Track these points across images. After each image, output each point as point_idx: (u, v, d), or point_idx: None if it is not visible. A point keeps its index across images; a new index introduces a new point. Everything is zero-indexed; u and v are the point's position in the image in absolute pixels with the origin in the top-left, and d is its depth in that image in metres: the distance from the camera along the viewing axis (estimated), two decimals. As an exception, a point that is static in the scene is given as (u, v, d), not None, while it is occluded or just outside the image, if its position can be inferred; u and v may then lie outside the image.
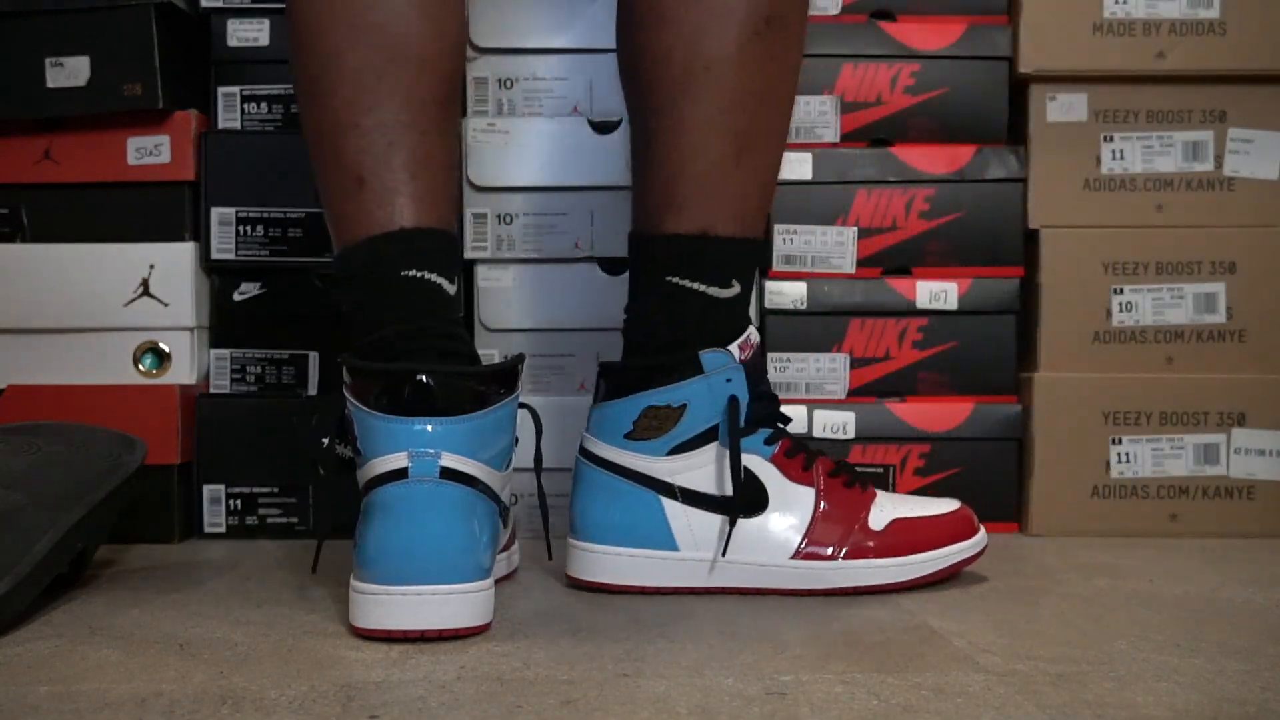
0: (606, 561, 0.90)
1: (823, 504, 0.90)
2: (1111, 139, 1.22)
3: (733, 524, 0.88)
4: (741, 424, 0.89)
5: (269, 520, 1.15)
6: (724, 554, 0.89)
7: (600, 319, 1.17)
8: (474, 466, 0.77)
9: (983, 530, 0.95)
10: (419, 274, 0.82)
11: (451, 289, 0.83)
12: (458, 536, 0.76)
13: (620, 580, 0.90)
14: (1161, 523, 1.20)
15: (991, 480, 1.20)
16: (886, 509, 0.92)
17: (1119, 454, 1.20)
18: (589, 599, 0.88)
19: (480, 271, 1.18)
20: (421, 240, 0.82)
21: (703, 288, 0.89)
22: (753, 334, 0.91)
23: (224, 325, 1.18)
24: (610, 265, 1.18)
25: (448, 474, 0.76)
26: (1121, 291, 1.21)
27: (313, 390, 1.18)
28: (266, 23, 1.19)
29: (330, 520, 0.90)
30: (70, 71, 1.12)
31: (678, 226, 0.89)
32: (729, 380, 0.89)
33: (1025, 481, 1.21)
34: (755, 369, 0.91)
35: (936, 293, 1.20)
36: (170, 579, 0.96)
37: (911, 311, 1.20)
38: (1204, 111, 1.22)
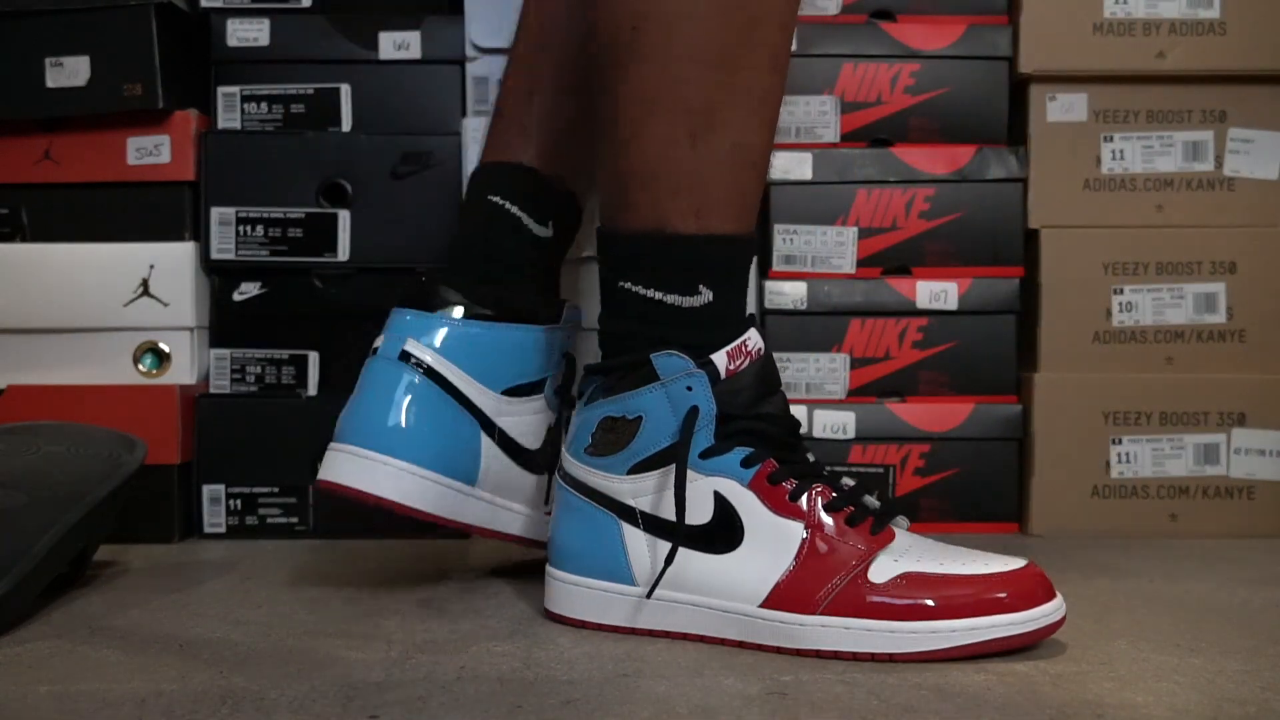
0: (563, 591, 0.80)
1: (810, 544, 0.74)
2: (1111, 139, 1.22)
3: (670, 558, 0.75)
4: (712, 440, 0.76)
5: (269, 520, 1.15)
6: (649, 593, 0.76)
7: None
8: (446, 367, 0.81)
9: (1053, 603, 0.72)
10: (502, 202, 0.92)
11: (537, 229, 0.93)
12: (388, 409, 0.82)
13: (572, 613, 0.80)
14: (1161, 523, 1.20)
15: (991, 480, 1.19)
16: (902, 559, 0.73)
17: (1119, 454, 1.20)
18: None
19: (480, 271, 1.18)
20: (521, 177, 0.93)
21: (659, 295, 0.76)
22: (750, 340, 0.77)
23: (224, 325, 1.18)
24: (610, 265, 1.18)
25: (410, 360, 0.85)
26: (1121, 291, 1.21)
27: (313, 390, 1.18)
28: (266, 23, 1.19)
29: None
30: (70, 71, 1.12)
31: (628, 224, 0.77)
32: (689, 389, 0.75)
33: (1025, 481, 1.21)
34: (745, 380, 0.77)
35: (936, 293, 1.20)
36: (170, 579, 0.96)
37: (911, 311, 1.20)
38: (1204, 111, 1.22)
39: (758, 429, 0.76)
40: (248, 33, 1.19)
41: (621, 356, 0.78)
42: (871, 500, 0.77)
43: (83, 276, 1.13)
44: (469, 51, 1.19)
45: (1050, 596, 0.73)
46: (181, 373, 1.15)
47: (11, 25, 1.12)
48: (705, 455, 0.76)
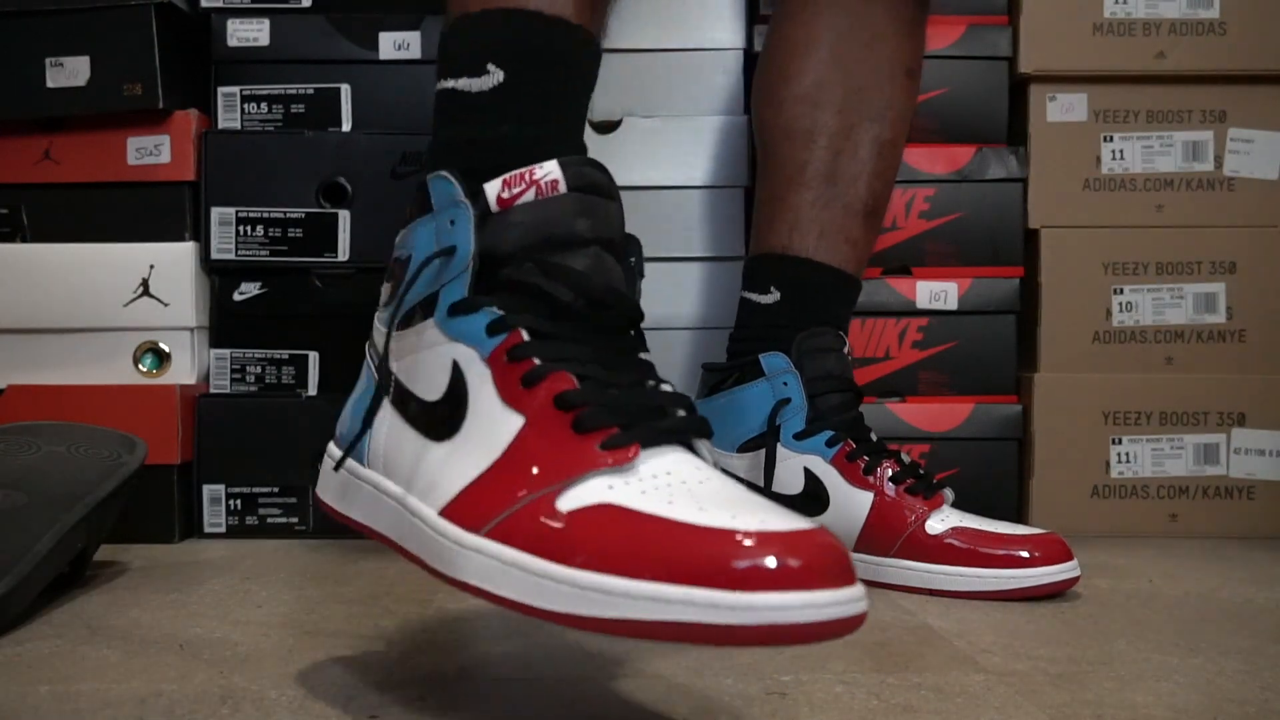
0: (322, 469, 0.68)
1: (516, 444, 0.57)
2: (1111, 139, 1.22)
3: (368, 419, 0.64)
4: (465, 292, 0.61)
5: (269, 520, 1.15)
6: (338, 465, 0.65)
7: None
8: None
9: (805, 595, 0.48)
10: None
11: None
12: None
13: (321, 494, 0.68)
14: (1161, 523, 1.20)
15: (991, 480, 1.20)
16: (625, 487, 0.54)
17: (1119, 454, 1.20)
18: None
19: (480, 271, 1.18)
20: None
21: (452, 82, 0.66)
22: (543, 170, 0.60)
23: (224, 325, 1.18)
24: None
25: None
26: (1121, 291, 1.21)
27: (313, 390, 1.18)
28: (266, 23, 1.19)
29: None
30: (70, 71, 1.12)
31: (444, 22, 0.69)
32: (452, 223, 0.62)
33: (1025, 481, 1.21)
34: (524, 216, 0.60)
35: (936, 293, 1.20)
36: (170, 579, 0.96)
37: (911, 311, 1.20)
38: (1204, 111, 1.22)
39: (527, 282, 0.60)
40: (248, 33, 1.19)
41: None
42: (674, 414, 0.58)
43: (83, 276, 1.13)
44: (469, 51, 1.19)
45: (819, 582, 0.48)
46: (181, 373, 1.15)
47: (11, 25, 1.12)
48: (452, 312, 0.60)
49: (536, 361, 0.58)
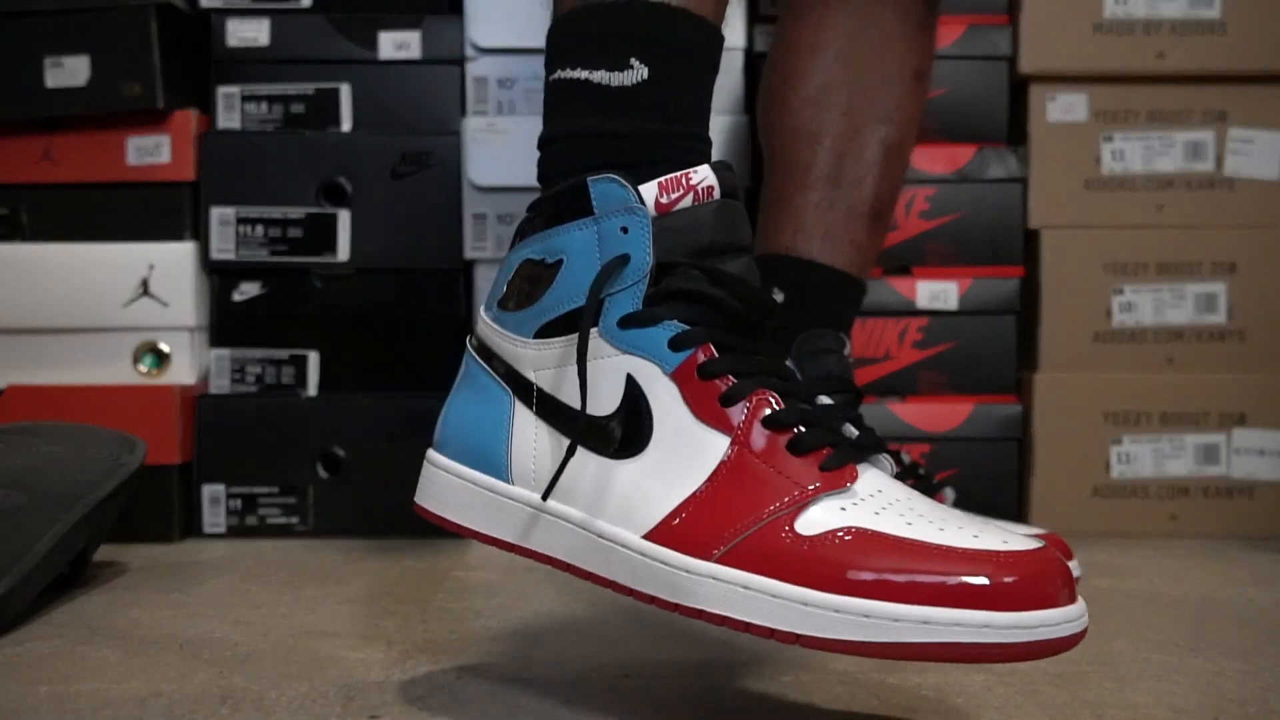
0: (438, 483, 0.63)
1: (730, 465, 0.56)
2: (1111, 139, 1.22)
3: (568, 456, 0.58)
4: (639, 304, 0.58)
5: (269, 520, 1.15)
6: (545, 498, 0.59)
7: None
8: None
9: (1067, 609, 0.51)
10: None
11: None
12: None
13: (440, 511, 0.63)
14: (1161, 523, 1.20)
15: (991, 480, 1.19)
16: (855, 509, 0.54)
17: (1119, 454, 1.20)
18: (589, 599, 0.88)
19: (480, 272, 1.18)
20: None
21: (585, 73, 0.62)
22: (699, 174, 0.59)
23: (224, 325, 1.18)
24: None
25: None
26: (1122, 291, 1.21)
27: (312, 390, 1.18)
28: (266, 22, 1.19)
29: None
30: (70, 71, 1.12)
31: (562, 5, 0.66)
32: (624, 230, 0.58)
33: (1025, 481, 1.21)
34: (685, 221, 0.59)
35: (936, 292, 1.20)
36: (170, 579, 0.96)
37: (911, 311, 1.20)
38: (1204, 111, 1.22)
39: (704, 293, 0.58)
40: (248, 33, 1.19)
41: (558, 182, 0.62)
42: (844, 428, 0.59)
43: (83, 276, 1.13)
44: (469, 51, 1.19)
45: (1065, 598, 0.51)
46: (181, 373, 1.15)
47: (11, 25, 1.12)
48: (625, 324, 0.58)
49: (733, 379, 0.57)
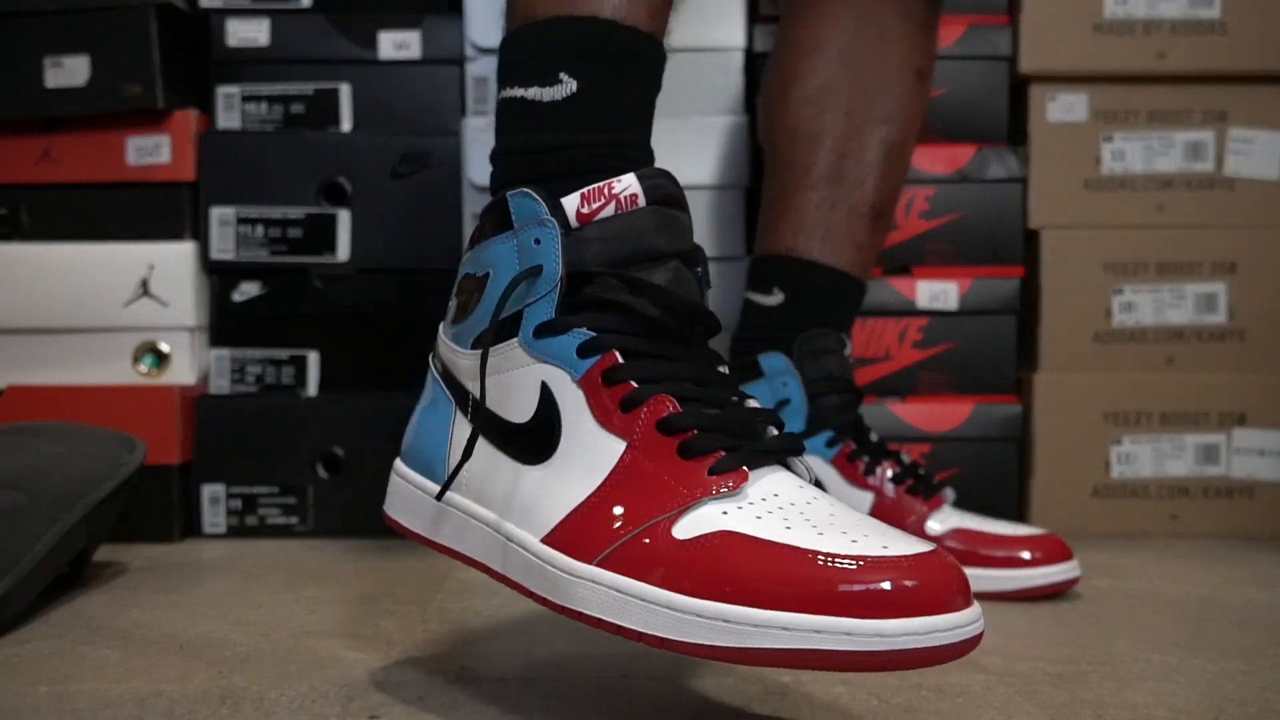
0: (394, 489, 0.67)
1: (622, 470, 0.56)
2: (1111, 139, 1.22)
3: (463, 459, 0.60)
4: (550, 314, 0.59)
5: (269, 520, 1.15)
6: (439, 495, 0.62)
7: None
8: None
9: (957, 615, 0.50)
10: None
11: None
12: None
13: (390, 511, 0.67)
14: (1161, 523, 1.20)
15: (991, 480, 1.19)
16: (739, 511, 0.54)
17: (1119, 454, 1.20)
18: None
19: (480, 271, 1.18)
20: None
21: (521, 91, 0.64)
22: (622, 183, 0.59)
23: (224, 325, 1.18)
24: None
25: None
26: (1122, 291, 1.21)
27: (312, 390, 1.18)
28: (266, 22, 1.19)
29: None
30: (70, 71, 1.12)
31: (505, 28, 0.68)
32: (537, 241, 0.59)
33: (1025, 481, 1.21)
34: (609, 230, 0.59)
35: (936, 292, 1.20)
36: (170, 579, 0.96)
37: (911, 311, 1.20)
38: (1204, 111, 1.22)
39: (614, 300, 0.59)
40: (248, 33, 1.19)
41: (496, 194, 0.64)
42: (765, 431, 0.59)
43: (82, 276, 1.13)
44: (469, 51, 1.19)
45: (942, 606, 0.49)
46: (181, 373, 1.15)
47: (11, 25, 1.12)
48: (539, 333, 0.59)
49: (634, 384, 0.57)
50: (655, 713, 0.61)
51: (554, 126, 0.62)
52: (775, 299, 1.00)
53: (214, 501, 1.15)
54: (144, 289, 1.14)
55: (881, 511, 0.93)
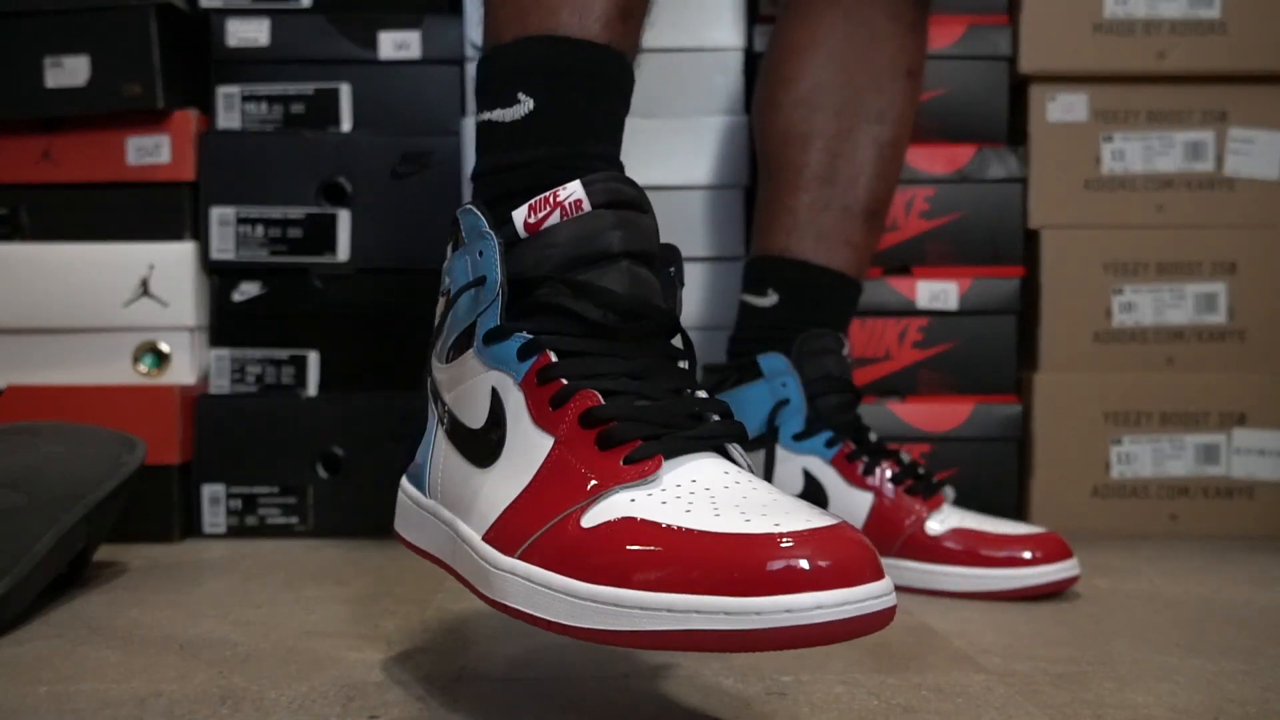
0: (399, 505, 0.70)
1: (549, 465, 0.57)
2: (1111, 139, 1.22)
3: (437, 456, 0.67)
4: (496, 322, 0.61)
5: (269, 520, 1.15)
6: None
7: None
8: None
9: (815, 596, 0.48)
10: None
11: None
12: None
13: (397, 527, 0.70)
14: (1161, 523, 1.20)
15: (991, 480, 1.19)
16: (646, 499, 0.54)
17: (1119, 454, 1.20)
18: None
19: (480, 271, 1.18)
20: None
21: (488, 114, 0.68)
22: (566, 191, 0.61)
23: (224, 325, 1.18)
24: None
25: None
26: (1122, 291, 1.21)
27: (312, 390, 1.18)
28: (266, 22, 1.19)
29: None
30: (70, 71, 1.12)
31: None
32: (480, 254, 0.63)
33: (1025, 481, 1.21)
34: (559, 237, 0.61)
35: (936, 292, 1.20)
36: (170, 579, 0.96)
37: (911, 311, 1.20)
38: (1204, 111, 1.22)
39: (556, 304, 0.60)
40: (248, 33, 1.19)
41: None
42: (699, 421, 0.59)
43: (83, 276, 1.13)
44: (469, 51, 1.19)
45: (851, 578, 0.48)
46: (181, 373, 1.15)
47: (11, 25, 1.12)
48: (487, 340, 0.61)
49: (564, 381, 0.58)
50: (655, 713, 0.61)
51: (517, 145, 0.65)
52: (770, 300, 1.00)
53: (214, 501, 1.15)
54: (144, 289, 1.14)
55: (881, 511, 0.93)
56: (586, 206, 0.61)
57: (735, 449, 0.59)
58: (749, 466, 0.58)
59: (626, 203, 0.62)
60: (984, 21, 1.22)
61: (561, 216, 0.61)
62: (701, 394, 0.60)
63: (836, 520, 0.50)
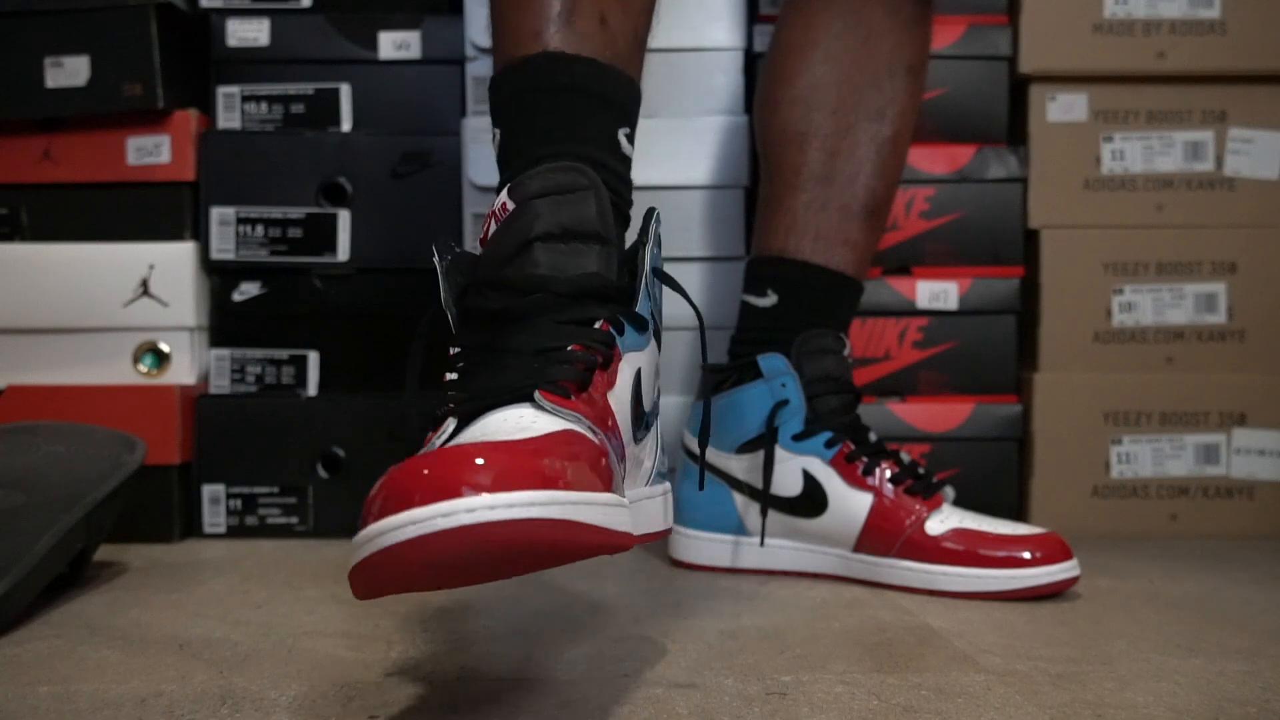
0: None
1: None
2: (1111, 139, 1.22)
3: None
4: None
5: (269, 520, 1.15)
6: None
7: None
8: None
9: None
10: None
11: None
12: None
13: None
14: (1161, 523, 1.20)
15: (991, 480, 1.19)
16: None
17: (1119, 454, 1.20)
18: (589, 600, 0.88)
19: (480, 271, 1.18)
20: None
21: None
22: (497, 199, 0.69)
23: (224, 325, 1.18)
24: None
25: None
26: (1122, 291, 1.21)
27: (312, 390, 1.18)
28: (266, 23, 1.19)
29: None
30: (70, 71, 1.12)
31: None
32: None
33: (1025, 481, 1.21)
34: (501, 242, 0.67)
35: (937, 292, 1.20)
36: (170, 579, 0.96)
37: (912, 311, 1.20)
38: (1204, 111, 1.22)
39: (473, 305, 0.66)
40: (248, 33, 1.19)
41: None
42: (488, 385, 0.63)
43: (83, 276, 1.13)
44: (469, 51, 1.19)
45: (415, 499, 0.49)
46: (181, 373, 1.15)
47: (11, 25, 1.12)
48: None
49: (457, 349, 0.66)
50: (655, 713, 0.61)
51: (506, 163, 0.74)
52: (769, 300, 1.00)
53: (214, 501, 1.15)
54: (144, 289, 1.14)
55: (881, 512, 0.93)
56: (510, 206, 0.67)
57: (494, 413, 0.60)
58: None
59: (548, 191, 0.67)
60: (984, 21, 1.22)
61: (495, 224, 0.67)
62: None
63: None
